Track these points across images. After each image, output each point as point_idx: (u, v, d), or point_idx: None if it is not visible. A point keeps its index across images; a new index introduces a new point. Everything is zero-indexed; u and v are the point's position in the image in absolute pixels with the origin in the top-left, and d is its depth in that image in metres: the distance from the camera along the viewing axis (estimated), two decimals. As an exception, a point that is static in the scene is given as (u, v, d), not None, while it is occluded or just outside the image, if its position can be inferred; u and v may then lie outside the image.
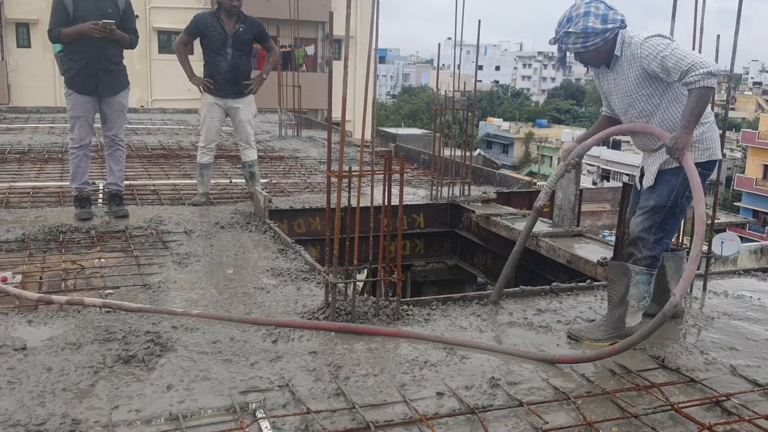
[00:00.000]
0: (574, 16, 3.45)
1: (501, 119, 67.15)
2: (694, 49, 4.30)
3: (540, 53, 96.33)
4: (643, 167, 3.75)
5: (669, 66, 3.30)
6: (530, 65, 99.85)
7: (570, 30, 3.45)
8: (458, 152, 7.46)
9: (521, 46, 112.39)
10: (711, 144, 3.55)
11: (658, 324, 3.08)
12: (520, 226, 6.31)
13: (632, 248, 3.61)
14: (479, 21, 6.99)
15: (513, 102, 76.88)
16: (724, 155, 4.45)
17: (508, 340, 3.63)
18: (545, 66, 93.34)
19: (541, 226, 6.19)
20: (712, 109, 4.60)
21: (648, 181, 3.61)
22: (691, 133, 3.35)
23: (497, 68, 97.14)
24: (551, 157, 54.83)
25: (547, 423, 2.73)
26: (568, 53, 3.55)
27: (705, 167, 3.55)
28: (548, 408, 2.87)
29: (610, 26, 3.42)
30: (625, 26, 3.47)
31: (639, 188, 3.79)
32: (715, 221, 4.86)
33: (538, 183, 9.16)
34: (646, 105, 3.52)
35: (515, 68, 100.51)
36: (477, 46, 7.15)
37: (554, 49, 3.63)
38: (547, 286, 4.50)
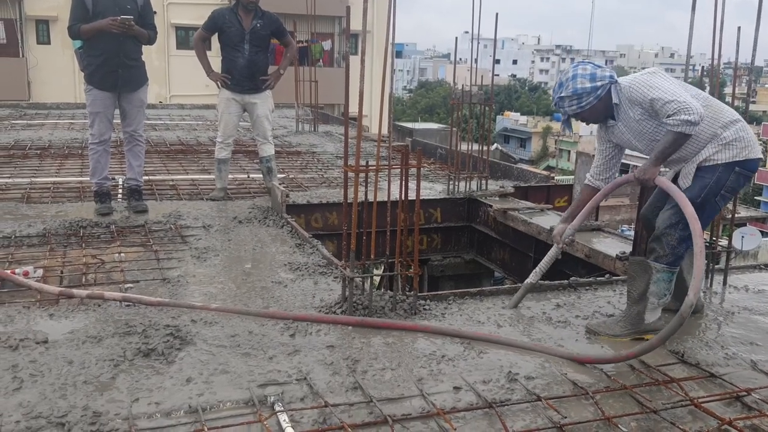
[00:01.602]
0: (564, 81, 3.60)
1: (518, 113, 66.74)
2: (714, 43, 4.26)
3: (558, 47, 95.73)
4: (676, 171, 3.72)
5: (657, 108, 3.41)
6: (548, 59, 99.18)
7: (563, 95, 3.59)
8: (475, 146, 7.44)
9: (539, 39, 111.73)
10: (748, 142, 3.51)
11: (676, 326, 3.02)
12: (538, 220, 6.29)
13: (655, 244, 3.58)
14: (497, 14, 6.96)
15: (530, 96, 76.41)
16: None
17: (526, 335, 3.62)
18: (563, 59, 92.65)
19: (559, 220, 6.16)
20: (733, 103, 4.56)
21: (685, 182, 3.58)
22: (659, 166, 3.49)
23: (514, 62, 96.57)
24: (569, 152, 54.45)
25: (566, 418, 2.72)
26: (570, 116, 3.66)
27: (744, 166, 3.52)
28: (567, 403, 2.86)
29: (599, 83, 3.52)
30: (615, 81, 3.56)
31: None
32: (736, 215, 4.81)
33: (555, 177, 9.11)
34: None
35: (533, 62, 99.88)
36: (494, 39, 7.12)
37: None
38: (566, 281, 4.49)
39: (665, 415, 2.77)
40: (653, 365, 3.24)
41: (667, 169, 3.80)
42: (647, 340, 3.45)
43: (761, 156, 3.62)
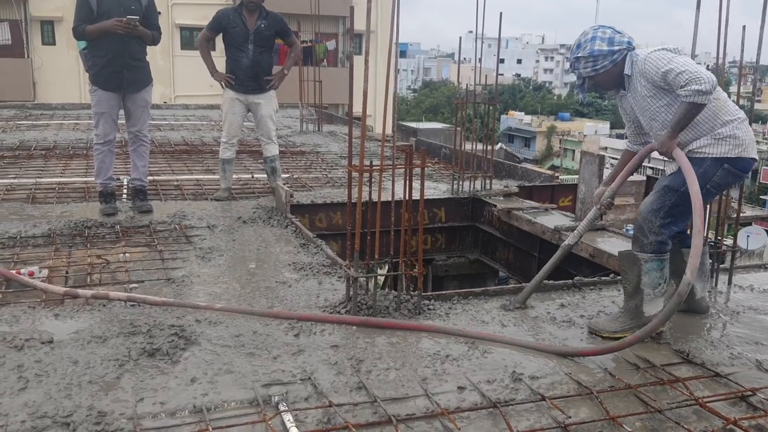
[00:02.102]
0: (582, 42, 3.61)
1: (523, 113, 66.65)
2: (719, 41, 4.25)
3: (562, 46, 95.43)
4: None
5: (670, 80, 3.38)
6: (552, 58, 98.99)
7: (579, 55, 3.61)
8: (479, 146, 7.44)
9: (543, 38, 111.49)
10: (743, 141, 3.49)
11: (674, 307, 3.03)
12: (542, 220, 6.28)
13: (638, 233, 3.58)
14: (500, 14, 6.95)
15: (535, 95, 76.31)
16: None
17: (531, 335, 3.61)
18: (567, 59, 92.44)
19: (564, 220, 6.16)
20: (738, 101, 4.54)
21: (672, 167, 3.58)
22: (675, 138, 3.44)
23: (519, 61, 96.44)
24: (573, 151, 54.36)
25: (570, 417, 2.72)
26: (585, 79, 3.66)
27: (734, 164, 3.49)
28: (571, 402, 2.86)
29: (616, 48, 3.54)
30: (633, 48, 3.56)
31: None
32: (741, 215, 4.79)
33: (560, 177, 9.09)
34: (666, 116, 3.52)
35: (537, 61, 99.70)
36: (498, 39, 7.11)
37: (574, 46, 3.72)
38: (570, 281, 4.48)
39: (670, 415, 2.76)
40: (658, 365, 3.24)
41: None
42: None
43: (756, 157, 3.59)
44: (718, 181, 3.52)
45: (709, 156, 3.48)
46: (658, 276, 3.55)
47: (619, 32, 3.58)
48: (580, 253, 5.57)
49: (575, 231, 3.94)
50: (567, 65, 3.85)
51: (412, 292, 3.91)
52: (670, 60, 3.39)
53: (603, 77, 3.62)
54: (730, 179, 3.57)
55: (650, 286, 3.54)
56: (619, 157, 4.05)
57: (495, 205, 6.88)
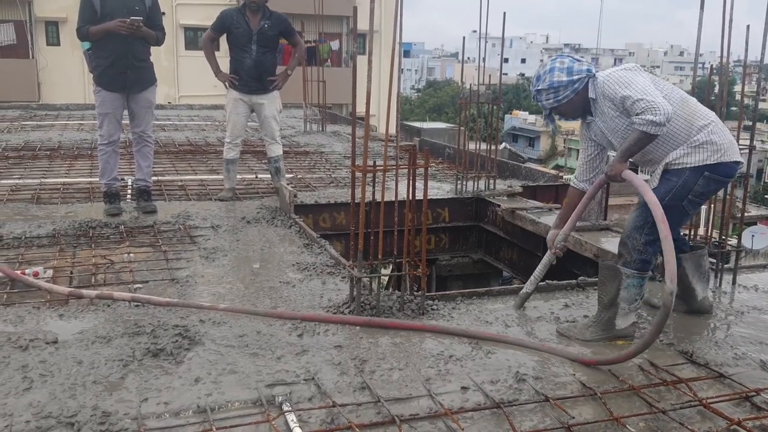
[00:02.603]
0: (541, 74, 3.57)
1: (527, 112, 66.57)
2: (723, 39, 4.23)
3: (566, 45, 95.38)
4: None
5: (627, 106, 3.37)
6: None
7: (539, 87, 3.57)
8: (483, 146, 7.43)
9: (547, 38, 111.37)
10: (720, 146, 3.41)
11: (663, 319, 2.95)
12: (546, 220, 6.27)
13: (622, 248, 3.53)
14: (504, 13, 6.95)
15: (539, 95, 76.08)
16: (754, 147, 4.37)
17: (534, 335, 3.61)
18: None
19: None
20: (742, 101, 4.53)
21: (653, 182, 3.53)
22: (625, 163, 3.44)
23: (523, 61, 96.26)
24: (578, 151, 54.25)
25: (573, 418, 2.72)
26: (551, 110, 3.62)
27: (714, 171, 3.43)
28: (575, 403, 2.86)
29: (576, 77, 3.49)
30: (593, 75, 3.52)
31: None
32: (746, 214, 4.78)
33: (564, 177, 9.08)
34: None
35: (541, 60, 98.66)
36: (502, 38, 7.10)
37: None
38: (574, 281, 4.48)
39: (674, 416, 2.76)
40: (661, 365, 3.23)
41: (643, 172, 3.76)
42: (619, 345, 3.43)
43: (739, 159, 3.51)
44: (700, 190, 3.46)
45: (688, 166, 3.42)
46: (636, 292, 3.50)
47: (577, 60, 3.55)
48: (584, 254, 5.56)
49: (531, 278, 3.95)
50: (531, 97, 3.87)
51: (415, 293, 3.91)
52: (628, 84, 3.36)
53: (566, 107, 3.59)
54: (712, 186, 3.52)
55: (627, 301, 3.50)
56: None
57: (499, 205, 6.88)
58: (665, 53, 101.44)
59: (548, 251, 3.91)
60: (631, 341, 3.48)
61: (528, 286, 3.97)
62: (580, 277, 4.57)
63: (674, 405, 2.84)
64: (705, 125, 3.42)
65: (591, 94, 3.53)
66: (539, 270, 3.93)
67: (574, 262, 5.82)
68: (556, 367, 3.19)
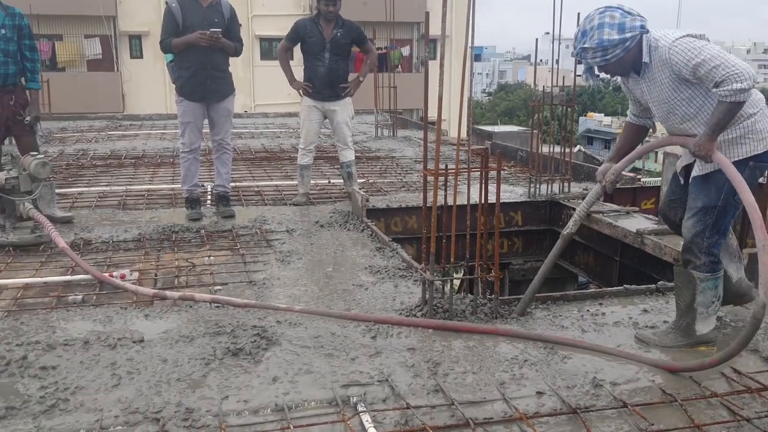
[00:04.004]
0: (588, 29, 3.24)
1: (602, 114, 64.99)
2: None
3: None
4: (689, 161, 3.46)
5: (701, 74, 3.07)
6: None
7: (586, 45, 3.24)
8: (557, 149, 7.32)
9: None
10: (765, 134, 3.24)
11: (753, 331, 2.82)
12: (623, 223, 6.12)
13: (688, 255, 3.39)
14: (578, 14, 6.80)
15: (615, 96, 74.21)
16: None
17: (612, 340, 3.54)
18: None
19: (647, 223, 5.98)
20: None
21: (698, 169, 3.33)
22: (715, 140, 3.13)
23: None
24: (656, 152, 52.61)
25: (653, 425, 2.65)
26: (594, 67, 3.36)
27: (760, 159, 3.26)
28: (654, 410, 2.79)
29: (628, 35, 3.17)
30: (647, 31, 3.21)
31: (681, 181, 3.55)
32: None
33: (642, 179, 8.84)
34: (687, 109, 3.26)
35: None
36: (575, 39, 6.98)
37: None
38: (653, 285, 4.36)
39: (759, 424, 2.66)
40: (745, 372, 3.11)
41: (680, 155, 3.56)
42: (701, 351, 3.32)
43: None
44: (748, 181, 3.19)
45: (733, 160, 3.21)
46: (712, 295, 3.38)
47: (629, 14, 3.20)
48: (663, 258, 5.40)
49: (575, 216, 3.71)
50: (573, 53, 3.48)
51: (488, 296, 3.89)
52: (700, 50, 3.05)
53: (614, 66, 3.28)
54: (757, 174, 3.35)
55: (704, 305, 3.37)
56: None
57: (574, 209, 6.74)
58: (748, 51, 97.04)
59: (597, 184, 3.69)
60: (714, 347, 3.37)
61: (572, 225, 3.73)
62: (660, 282, 4.44)
63: (759, 413, 2.73)
64: (753, 113, 3.23)
65: (645, 58, 3.24)
66: (586, 203, 3.71)
67: (653, 266, 5.66)
68: (634, 373, 3.12)
